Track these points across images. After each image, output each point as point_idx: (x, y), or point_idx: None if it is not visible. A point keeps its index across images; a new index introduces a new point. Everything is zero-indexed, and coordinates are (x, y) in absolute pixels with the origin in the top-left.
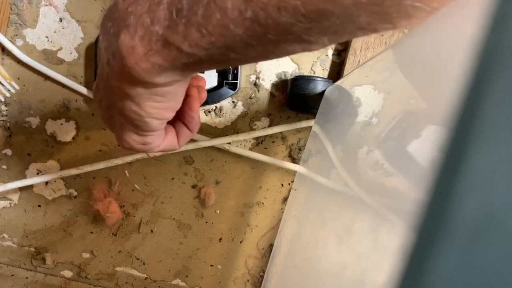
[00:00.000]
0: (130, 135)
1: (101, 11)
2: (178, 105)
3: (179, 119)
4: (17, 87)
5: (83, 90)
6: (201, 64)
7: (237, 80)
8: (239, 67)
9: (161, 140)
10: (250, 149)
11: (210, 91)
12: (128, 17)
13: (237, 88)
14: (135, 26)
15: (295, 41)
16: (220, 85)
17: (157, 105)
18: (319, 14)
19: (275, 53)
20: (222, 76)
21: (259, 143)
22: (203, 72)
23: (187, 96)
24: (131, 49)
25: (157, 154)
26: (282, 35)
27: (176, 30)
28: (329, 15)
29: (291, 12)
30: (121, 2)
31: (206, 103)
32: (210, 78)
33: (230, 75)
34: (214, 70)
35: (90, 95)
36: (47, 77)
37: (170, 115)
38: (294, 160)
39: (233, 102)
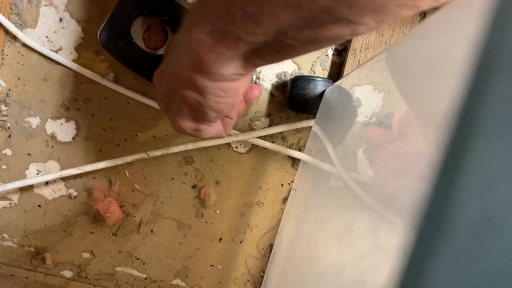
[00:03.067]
0: (186, 121)
1: (101, 10)
2: (235, 102)
3: None
4: (3, 84)
5: (88, 73)
6: (260, 54)
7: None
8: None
9: (213, 129)
10: (250, 150)
11: None
12: (197, 16)
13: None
14: (203, 23)
15: (340, 22)
16: None
17: (219, 100)
18: None
19: (325, 37)
20: None
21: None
22: None
23: None
24: (200, 41)
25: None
26: (326, 17)
27: (234, 22)
28: None
29: None
30: (190, 7)
31: None
32: None
33: None
34: None
35: (91, 77)
36: (47, 77)
37: (227, 110)
38: (294, 160)
39: None
